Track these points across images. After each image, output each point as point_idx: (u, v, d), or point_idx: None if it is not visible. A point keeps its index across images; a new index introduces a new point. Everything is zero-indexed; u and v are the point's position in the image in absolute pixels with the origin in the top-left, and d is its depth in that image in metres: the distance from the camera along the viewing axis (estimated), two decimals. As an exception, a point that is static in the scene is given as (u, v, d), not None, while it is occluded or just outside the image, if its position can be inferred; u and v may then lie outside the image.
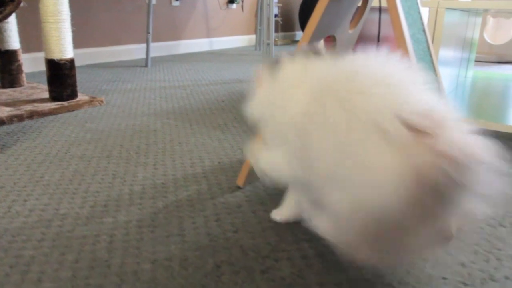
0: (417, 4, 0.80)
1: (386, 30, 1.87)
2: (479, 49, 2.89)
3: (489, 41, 2.90)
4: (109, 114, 1.29)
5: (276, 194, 0.76)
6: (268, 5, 1.90)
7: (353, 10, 0.82)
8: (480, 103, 1.47)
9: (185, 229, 0.64)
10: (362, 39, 1.69)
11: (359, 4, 0.85)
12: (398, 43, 0.62)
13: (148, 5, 2.17)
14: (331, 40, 0.83)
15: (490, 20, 2.96)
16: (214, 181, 0.81)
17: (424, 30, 0.81)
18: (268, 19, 1.90)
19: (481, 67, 2.54)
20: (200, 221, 0.66)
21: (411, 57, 0.62)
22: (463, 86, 1.79)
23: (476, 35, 2.12)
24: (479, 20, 2.09)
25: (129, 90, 1.65)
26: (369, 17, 1.03)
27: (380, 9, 0.80)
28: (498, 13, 2.84)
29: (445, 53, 1.36)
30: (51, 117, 1.23)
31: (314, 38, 0.70)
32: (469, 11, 1.69)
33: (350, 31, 0.87)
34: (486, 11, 2.35)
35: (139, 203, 0.72)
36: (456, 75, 1.71)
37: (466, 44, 1.82)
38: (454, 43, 1.51)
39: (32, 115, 1.21)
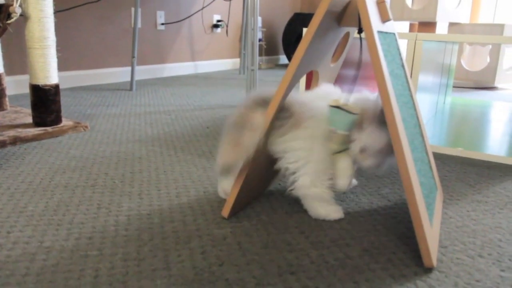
0: (395, 40, 0.84)
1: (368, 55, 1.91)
2: (457, 75, 2.98)
3: (466, 67, 3.00)
4: (94, 140, 1.29)
5: (261, 226, 0.77)
6: (253, 29, 1.94)
7: (335, 45, 0.85)
8: (458, 130, 1.51)
9: (171, 263, 0.64)
10: (347, 65, 1.73)
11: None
12: (378, 80, 0.64)
13: (134, 29, 2.20)
14: (312, 75, 0.86)
15: (467, 48, 3.07)
16: (200, 212, 0.82)
17: (402, 65, 0.84)
18: (252, 44, 1.93)
19: (459, 93, 2.62)
20: (186, 254, 0.67)
21: (390, 94, 0.65)
22: (442, 112, 1.85)
23: (454, 62, 2.20)
24: (456, 47, 2.17)
25: (113, 115, 1.65)
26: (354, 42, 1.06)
27: (361, 39, 0.83)
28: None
29: (425, 80, 1.41)
30: (34, 143, 1.23)
31: (297, 74, 0.72)
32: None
33: (332, 65, 0.90)
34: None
35: (125, 235, 0.72)
36: (435, 101, 1.76)
37: (444, 71, 1.89)
38: (433, 70, 1.56)
39: (15, 141, 1.20)
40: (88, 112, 1.68)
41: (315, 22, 0.67)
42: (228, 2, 3.43)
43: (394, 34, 0.83)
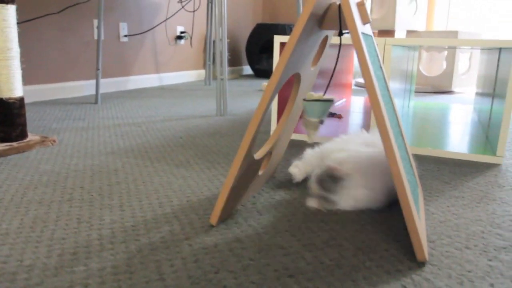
0: (373, 42, 0.86)
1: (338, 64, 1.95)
2: (417, 81, 3.10)
3: (424, 73, 3.12)
4: (64, 154, 1.23)
5: (251, 232, 0.76)
6: (220, 39, 1.94)
7: (316, 48, 0.86)
8: (422, 131, 1.57)
9: (164, 273, 0.62)
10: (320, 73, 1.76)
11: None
12: (366, 80, 0.65)
13: (98, 41, 2.14)
14: (294, 77, 0.87)
15: (424, 54, 3.20)
16: (186, 221, 0.80)
17: (381, 67, 0.86)
18: (221, 53, 1.93)
19: (420, 98, 2.72)
20: (179, 263, 0.65)
21: (378, 94, 0.66)
22: (407, 115, 1.91)
23: (415, 68, 2.29)
24: (416, 54, 2.25)
25: (81, 128, 1.59)
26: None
27: (340, 42, 0.85)
28: (431, 48, 3.08)
29: (393, 86, 1.45)
30: (0, 160, 1.16)
31: (283, 77, 0.72)
32: (409, 47, 1.83)
33: (312, 68, 0.91)
34: (421, 46, 2.55)
35: (111, 248, 0.69)
36: (401, 105, 1.82)
37: (407, 77, 1.95)
38: (399, 76, 1.61)
39: (-22, 158, 1.14)
40: (53, 127, 1.61)
41: (300, 24, 0.67)
42: (192, 14, 3.42)
43: (371, 36, 0.85)
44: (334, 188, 0.85)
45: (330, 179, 0.85)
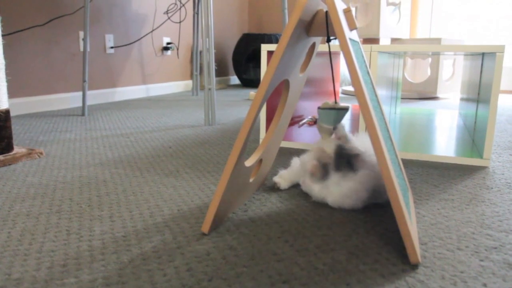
0: (360, 48, 0.87)
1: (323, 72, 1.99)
2: (402, 88, 3.14)
3: (409, 79, 3.16)
4: (51, 166, 1.22)
5: (244, 239, 0.75)
6: (208, 50, 1.94)
7: (304, 55, 0.87)
8: (409, 137, 1.59)
9: (157, 283, 0.61)
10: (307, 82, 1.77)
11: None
12: (354, 85, 0.66)
13: (84, 53, 2.13)
14: (283, 84, 0.87)
15: (409, 61, 3.25)
16: (178, 230, 0.79)
17: (368, 73, 0.87)
18: (208, 63, 1.93)
19: (406, 104, 2.75)
20: (171, 272, 0.64)
21: (366, 96, 0.67)
22: (394, 122, 1.93)
23: (400, 75, 2.32)
24: (401, 61, 2.29)
25: (68, 140, 1.57)
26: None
27: (329, 48, 0.86)
28: (415, 55, 3.13)
29: (380, 93, 1.47)
30: (-15, 174, 1.14)
31: (272, 83, 0.73)
32: (394, 54, 1.85)
33: (301, 75, 0.92)
34: (405, 53, 2.59)
35: (102, 259, 0.68)
36: (388, 112, 1.84)
37: (393, 84, 1.98)
38: (385, 83, 1.63)
39: (-38, 172, 1.11)
40: (40, 139, 1.59)
41: (288, 30, 0.68)
42: (178, 25, 3.43)
43: (358, 42, 0.86)
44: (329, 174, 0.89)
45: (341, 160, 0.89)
